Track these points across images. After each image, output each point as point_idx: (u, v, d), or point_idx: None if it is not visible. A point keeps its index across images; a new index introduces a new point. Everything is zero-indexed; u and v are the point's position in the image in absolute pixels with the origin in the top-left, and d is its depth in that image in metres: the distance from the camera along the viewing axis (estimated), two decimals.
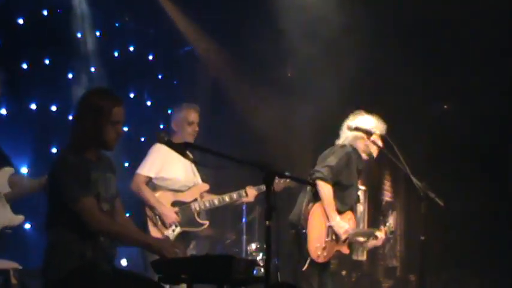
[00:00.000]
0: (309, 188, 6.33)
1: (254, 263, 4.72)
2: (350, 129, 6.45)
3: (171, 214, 6.48)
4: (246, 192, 6.89)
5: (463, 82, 10.09)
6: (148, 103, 10.00)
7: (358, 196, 6.74)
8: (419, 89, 10.48)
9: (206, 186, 6.85)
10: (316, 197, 6.28)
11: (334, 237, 6.28)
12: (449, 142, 11.05)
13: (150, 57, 10.11)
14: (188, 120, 6.77)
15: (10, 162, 5.75)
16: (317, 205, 6.25)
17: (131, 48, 9.75)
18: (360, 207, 6.56)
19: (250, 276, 4.31)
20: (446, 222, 10.08)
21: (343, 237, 6.28)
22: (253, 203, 7.45)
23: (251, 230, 8.67)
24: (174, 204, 6.58)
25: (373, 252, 11.74)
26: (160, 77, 10.30)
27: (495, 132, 10.43)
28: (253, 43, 9.24)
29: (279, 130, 9.74)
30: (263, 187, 6.72)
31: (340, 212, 6.35)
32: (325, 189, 6.21)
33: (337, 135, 6.63)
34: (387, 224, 6.68)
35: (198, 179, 6.87)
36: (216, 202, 6.76)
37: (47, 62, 8.33)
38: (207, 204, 6.71)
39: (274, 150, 9.25)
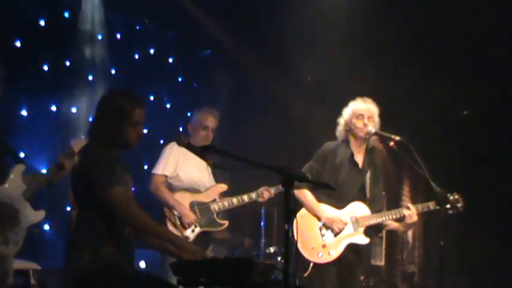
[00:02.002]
0: None
1: (273, 266, 4.67)
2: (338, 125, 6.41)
3: (190, 214, 6.45)
4: (261, 193, 6.80)
5: (483, 88, 10.05)
6: (168, 106, 10.01)
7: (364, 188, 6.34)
8: (439, 95, 10.43)
9: (225, 187, 6.81)
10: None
11: (331, 232, 6.12)
12: (471, 148, 11.00)
13: (170, 60, 10.12)
14: (203, 125, 6.71)
15: (19, 158, 5.76)
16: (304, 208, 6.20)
17: (151, 51, 9.77)
18: None
19: (269, 280, 4.29)
20: (465, 228, 10.03)
21: (335, 229, 6.06)
22: (271, 206, 7.40)
23: (269, 233, 8.65)
24: (193, 204, 6.54)
25: (391, 258, 11.71)
26: (180, 79, 10.31)
27: None
28: (276, 45, 9.25)
29: (298, 132, 9.73)
30: (278, 188, 6.78)
31: (340, 208, 6.19)
32: (301, 197, 6.16)
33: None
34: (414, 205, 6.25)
35: (213, 181, 6.82)
36: (235, 202, 6.71)
37: (67, 63, 8.37)
38: (226, 204, 6.67)
39: (294, 152, 9.22)
